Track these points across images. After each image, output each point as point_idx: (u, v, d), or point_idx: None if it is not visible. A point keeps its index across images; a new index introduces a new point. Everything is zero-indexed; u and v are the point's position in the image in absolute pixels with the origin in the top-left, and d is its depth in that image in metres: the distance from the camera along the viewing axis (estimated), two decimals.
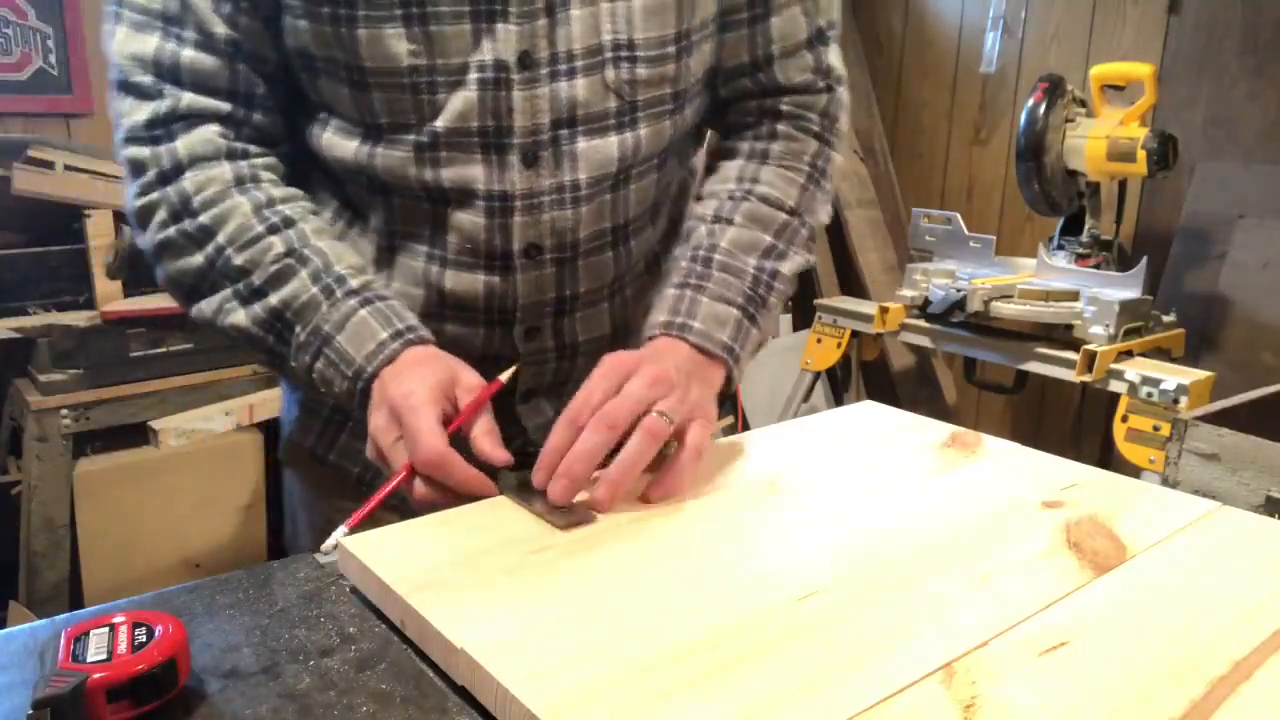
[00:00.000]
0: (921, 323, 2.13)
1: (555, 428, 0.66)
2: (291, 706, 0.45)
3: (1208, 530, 0.64)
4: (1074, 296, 1.89)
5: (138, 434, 2.01)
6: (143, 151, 0.73)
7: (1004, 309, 1.90)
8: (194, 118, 0.74)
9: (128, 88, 0.74)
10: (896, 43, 2.97)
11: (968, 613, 0.52)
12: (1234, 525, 0.65)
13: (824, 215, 0.88)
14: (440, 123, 0.74)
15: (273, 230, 0.73)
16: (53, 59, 2.20)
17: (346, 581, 0.59)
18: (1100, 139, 2.02)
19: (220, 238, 0.73)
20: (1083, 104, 2.12)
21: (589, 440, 0.64)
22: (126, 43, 0.73)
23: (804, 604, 0.52)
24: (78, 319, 1.97)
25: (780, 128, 0.86)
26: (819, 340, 2.36)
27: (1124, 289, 1.88)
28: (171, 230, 0.74)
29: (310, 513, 0.92)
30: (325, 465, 0.88)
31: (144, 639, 0.45)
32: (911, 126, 2.97)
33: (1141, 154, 1.97)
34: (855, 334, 2.30)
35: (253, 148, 0.77)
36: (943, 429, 0.84)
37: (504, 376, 0.72)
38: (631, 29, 0.75)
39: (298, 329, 0.73)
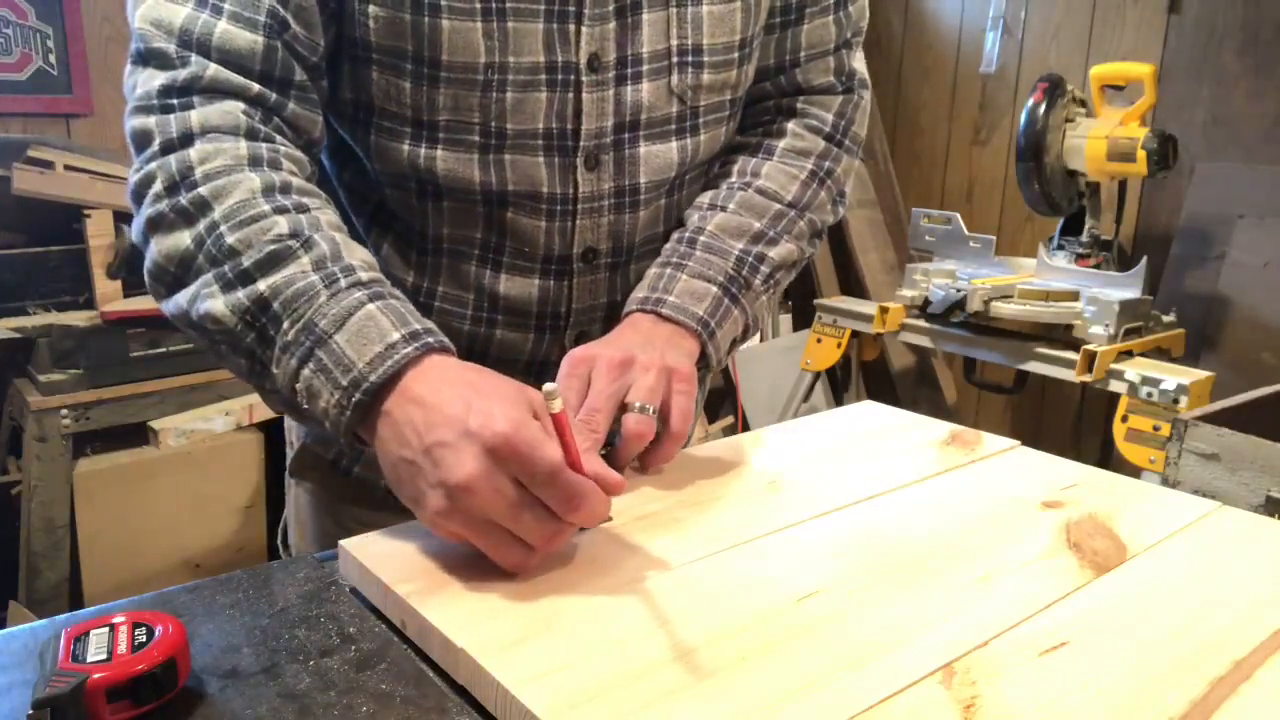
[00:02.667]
0: (921, 323, 2.13)
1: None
2: (291, 706, 0.45)
3: (1208, 530, 0.64)
4: (1074, 296, 1.89)
5: (138, 434, 2.01)
6: (149, 121, 0.63)
7: (1004, 309, 1.90)
8: (217, 92, 0.64)
9: (147, 56, 0.65)
10: (896, 43, 2.97)
11: (968, 612, 0.52)
12: (1234, 525, 0.65)
13: (830, 214, 0.86)
14: (509, 123, 0.72)
15: (280, 211, 0.61)
16: (53, 59, 2.20)
17: (346, 582, 0.59)
18: (1100, 139, 2.02)
19: (216, 213, 0.61)
20: (1083, 104, 2.12)
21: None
22: (153, 9, 0.65)
23: (804, 604, 0.52)
24: (78, 319, 1.97)
25: (790, 125, 0.85)
26: (819, 340, 2.37)
27: (1124, 289, 1.88)
28: (164, 204, 0.62)
29: (323, 522, 0.88)
30: (348, 478, 0.85)
31: (144, 639, 0.45)
32: (911, 126, 2.97)
33: (1141, 154, 1.97)
34: (855, 334, 2.30)
35: (279, 136, 0.67)
36: (942, 428, 0.84)
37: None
38: (699, 35, 0.75)
39: (285, 324, 0.59)
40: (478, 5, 0.68)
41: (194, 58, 0.64)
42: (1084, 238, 2.15)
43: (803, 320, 2.91)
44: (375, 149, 0.74)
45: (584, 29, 0.71)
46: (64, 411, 1.93)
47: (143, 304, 2.03)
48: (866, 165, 2.96)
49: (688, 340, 0.73)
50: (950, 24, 2.83)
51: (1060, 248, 2.17)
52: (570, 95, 0.72)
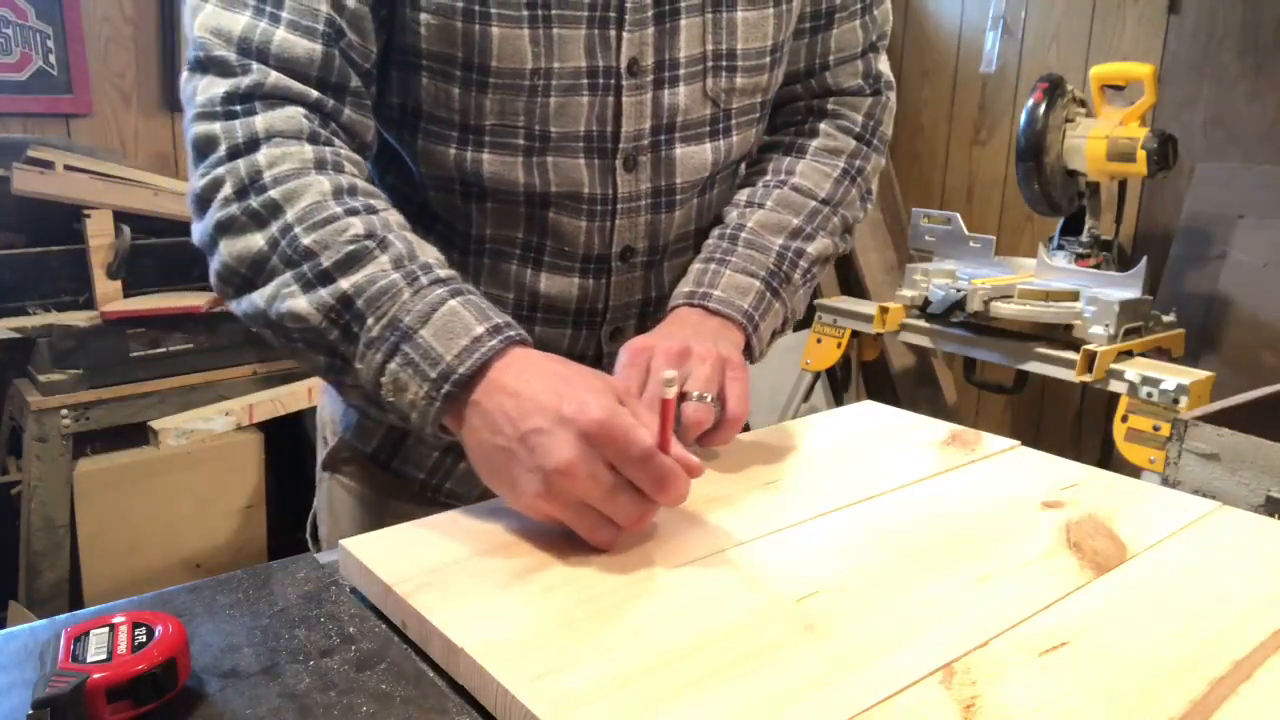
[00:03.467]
0: (921, 323, 2.13)
1: None
2: (291, 706, 0.45)
3: (1208, 530, 0.64)
4: (1074, 296, 1.89)
5: (138, 434, 2.02)
6: (213, 127, 0.65)
7: (1004, 309, 1.90)
8: (278, 98, 0.66)
9: (206, 64, 0.66)
10: (896, 43, 2.97)
11: (968, 613, 0.52)
12: (1234, 525, 0.65)
13: (860, 210, 0.89)
14: (552, 127, 0.73)
15: (352, 213, 0.63)
16: (53, 59, 2.20)
17: (346, 582, 0.59)
18: (1100, 139, 2.02)
19: (289, 215, 0.63)
20: (1083, 104, 2.12)
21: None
22: (212, 17, 0.66)
23: (803, 604, 0.52)
24: (78, 319, 1.97)
25: (822, 126, 0.88)
26: (819, 340, 2.37)
27: (1124, 289, 1.88)
28: (234, 207, 0.64)
29: (357, 515, 0.89)
30: (386, 471, 0.86)
31: (144, 639, 0.45)
32: (911, 126, 2.97)
33: (1141, 154, 1.97)
34: (855, 334, 2.30)
35: (336, 140, 0.69)
36: (943, 428, 0.84)
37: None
38: (733, 40, 0.77)
39: (369, 320, 0.61)
40: (525, 13, 0.70)
41: (254, 65, 0.65)
42: (1084, 238, 2.15)
43: (803, 320, 2.91)
44: (422, 152, 0.75)
45: (624, 34, 0.73)
46: (64, 411, 1.93)
47: (143, 304, 2.03)
48: None
49: (734, 332, 0.76)
50: (950, 24, 2.83)
51: (1060, 248, 2.17)
52: (610, 99, 0.74)
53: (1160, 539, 0.62)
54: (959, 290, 2.00)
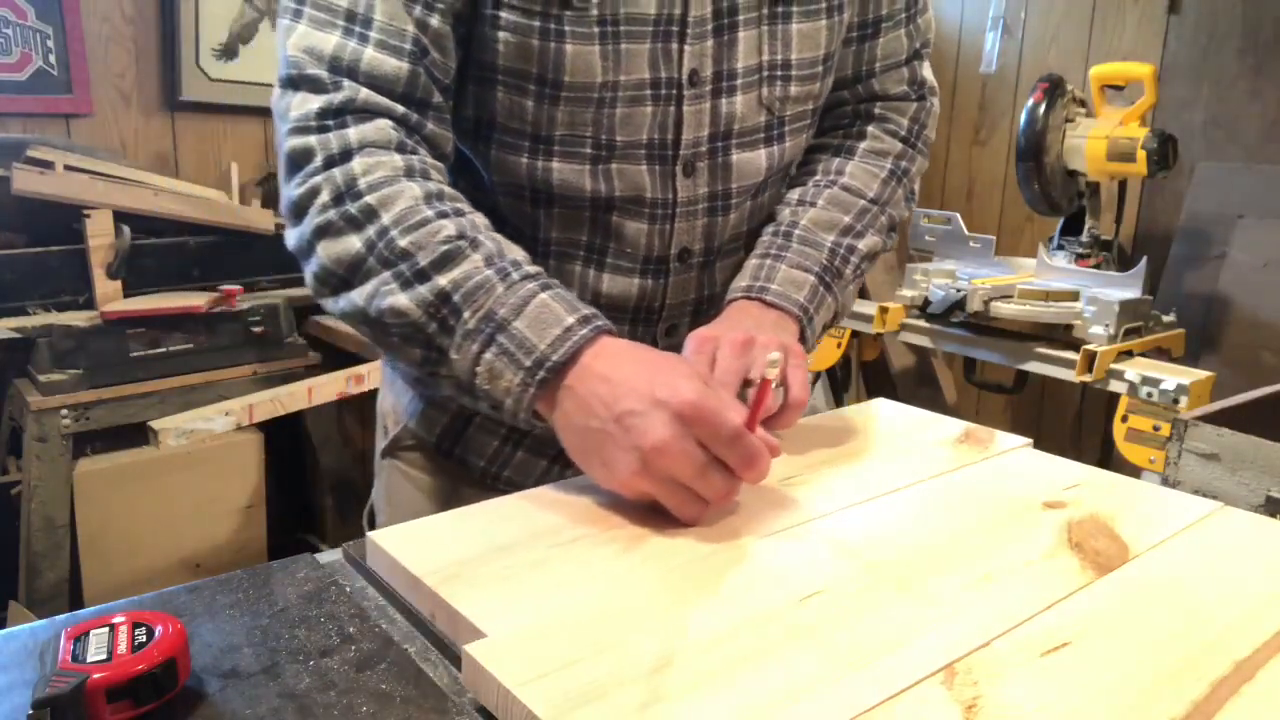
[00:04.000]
0: (921, 323, 2.13)
1: None
2: (291, 706, 0.45)
3: (1210, 531, 0.64)
4: (1074, 296, 1.89)
5: (138, 434, 2.01)
6: (309, 140, 0.69)
7: (1004, 309, 1.90)
8: (368, 112, 0.70)
9: (300, 81, 0.70)
10: None
11: (969, 613, 0.52)
12: (1236, 526, 0.65)
13: (905, 210, 0.93)
14: (617, 136, 0.77)
15: (442, 216, 0.68)
16: (53, 59, 2.19)
17: (346, 582, 0.59)
18: (1100, 139, 2.02)
19: (385, 219, 0.67)
20: (1083, 104, 2.12)
21: None
22: (304, 38, 0.70)
23: (806, 604, 0.52)
24: (78, 319, 1.97)
25: (870, 129, 0.92)
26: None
27: (1124, 289, 1.88)
28: (332, 213, 0.68)
29: (417, 501, 0.92)
30: (449, 459, 0.90)
31: (144, 639, 0.45)
32: None
33: (1141, 154, 1.96)
34: (855, 334, 2.30)
35: (422, 150, 0.73)
36: (956, 426, 0.84)
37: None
38: (788, 51, 0.80)
39: (466, 314, 0.66)
40: (596, 30, 0.73)
41: (346, 82, 0.69)
42: (1084, 238, 2.15)
43: None
44: (494, 161, 0.79)
45: (686, 47, 0.76)
46: (64, 411, 1.93)
47: (143, 304, 2.03)
48: None
49: (790, 324, 0.80)
50: (950, 24, 2.83)
51: (1060, 248, 2.17)
52: (671, 108, 0.78)
53: (1162, 539, 0.62)
54: (959, 290, 2.00)
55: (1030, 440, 0.81)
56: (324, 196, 0.68)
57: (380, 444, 0.96)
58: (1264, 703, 0.45)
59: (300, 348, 2.26)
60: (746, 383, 0.70)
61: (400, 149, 0.70)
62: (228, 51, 2.44)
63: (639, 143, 0.78)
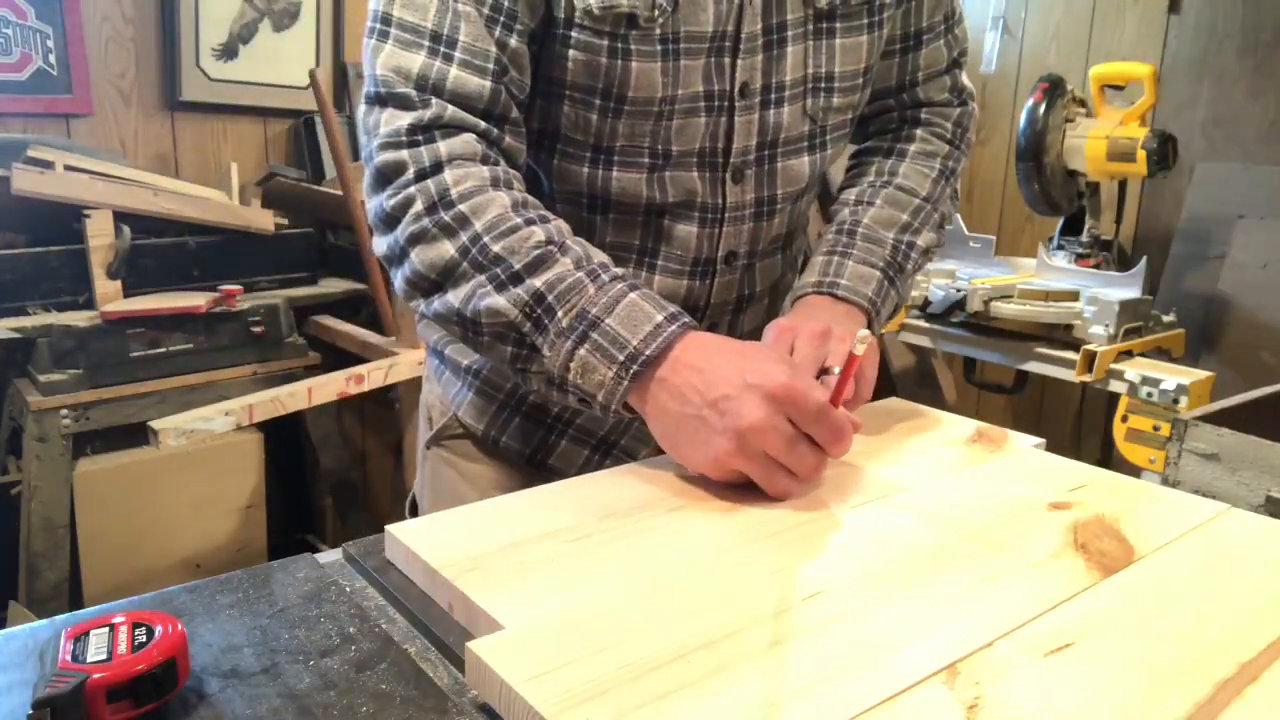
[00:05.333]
0: (921, 323, 2.13)
1: None
2: (291, 706, 0.45)
3: (1216, 533, 0.64)
4: (1074, 296, 1.89)
5: (138, 434, 2.01)
6: (401, 154, 0.73)
7: (1004, 309, 1.90)
8: (454, 128, 0.75)
9: (389, 99, 0.74)
10: None
11: (972, 613, 0.52)
12: (1242, 528, 0.65)
13: (952, 207, 0.98)
14: (673, 146, 0.81)
15: (530, 223, 0.73)
16: (53, 59, 2.19)
17: (346, 582, 0.59)
18: (1100, 139, 2.02)
19: (477, 225, 0.72)
20: (1083, 104, 2.12)
21: None
22: (391, 57, 0.74)
23: (808, 603, 0.52)
24: (78, 319, 1.97)
25: (918, 132, 0.98)
26: None
27: (1124, 289, 1.88)
28: (426, 221, 0.73)
29: (460, 489, 0.96)
30: (495, 447, 0.94)
31: (144, 639, 0.45)
32: None
33: (1141, 154, 1.96)
34: None
35: (503, 162, 0.78)
36: (968, 425, 0.84)
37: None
38: (832, 64, 0.85)
39: (559, 313, 0.70)
40: (658, 48, 0.78)
41: (433, 100, 0.74)
42: (1084, 238, 2.15)
43: None
44: (556, 171, 0.84)
45: (739, 61, 0.81)
46: (64, 411, 1.93)
47: (143, 304, 2.03)
48: None
49: (860, 317, 0.86)
50: None
51: (1060, 248, 2.17)
52: (723, 119, 0.82)
53: (1168, 541, 0.62)
54: (959, 290, 2.00)
55: (1043, 440, 0.81)
56: (418, 206, 0.73)
57: (424, 435, 1.00)
58: (1267, 704, 0.45)
59: (300, 348, 2.26)
60: (823, 370, 0.74)
61: (485, 161, 0.75)
62: (228, 51, 2.44)
63: (692, 151, 0.82)
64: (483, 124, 0.76)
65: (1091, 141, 2.04)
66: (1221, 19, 2.26)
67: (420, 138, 0.74)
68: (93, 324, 1.97)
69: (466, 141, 0.74)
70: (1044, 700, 0.44)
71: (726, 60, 0.80)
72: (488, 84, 0.75)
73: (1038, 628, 0.50)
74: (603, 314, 0.70)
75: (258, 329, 2.18)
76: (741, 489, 0.68)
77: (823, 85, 0.85)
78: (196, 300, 2.07)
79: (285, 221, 2.36)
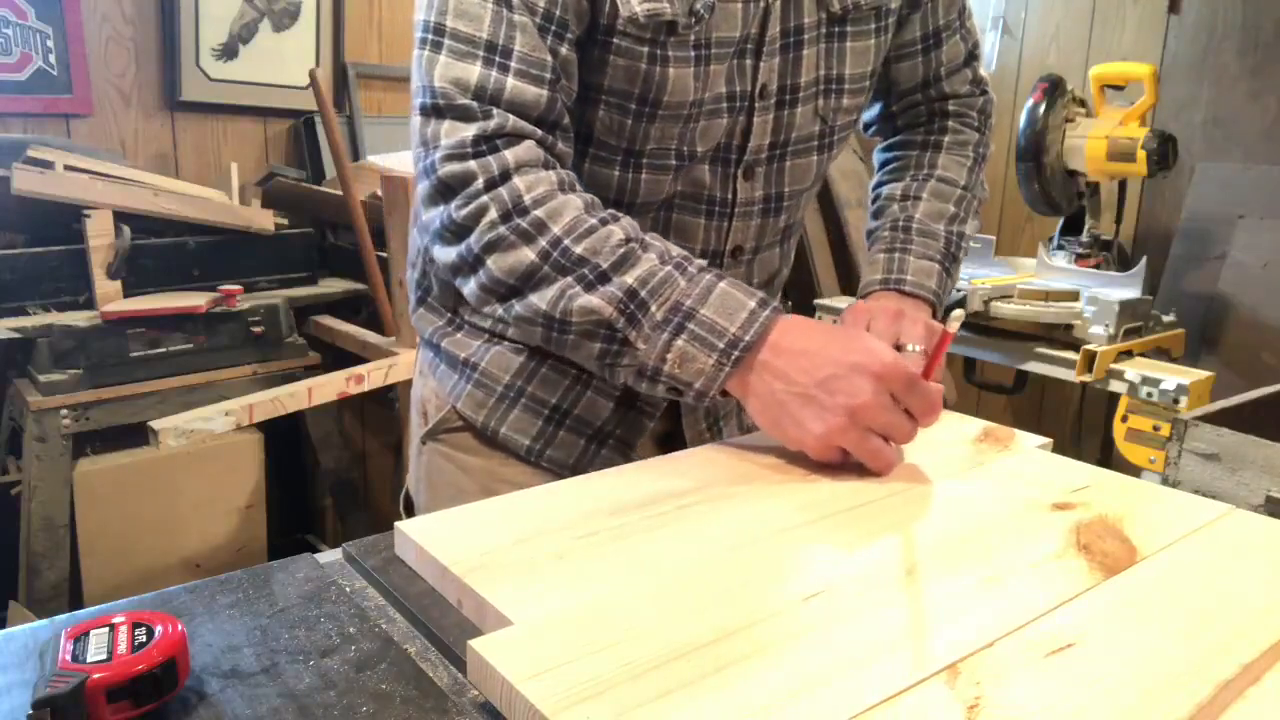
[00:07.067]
0: None
1: None
2: (291, 706, 0.45)
3: (1219, 534, 0.64)
4: (1074, 296, 1.89)
5: (138, 434, 2.01)
6: (469, 165, 0.75)
7: (1004, 309, 1.90)
8: (516, 136, 0.76)
9: (449, 110, 0.76)
10: None
11: (974, 613, 0.51)
12: (1246, 529, 0.65)
13: (984, 191, 1.04)
14: (698, 146, 0.84)
15: (605, 222, 0.75)
16: (53, 59, 2.19)
17: (346, 582, 0.59)
18: (1100, 139, 2.02)
19: (556, 230, 0.74)
20: (1083, 104, 2.12)
21: None
22: (448, 69, 0.76)
23: (809, 603, 0.52)
24: (78, 319, 1.97)
25: (950, 124, 1.03)
26: None
27: (1124, 289, 1.88)
28: (502, 228, 0.75)
29: (458, 480, 0.97)
30: (494, 440, 0.94)
31: (144, 639, 0.45)
32: None
33: (1141, 154, 1.96)
34: None
35: (556, 161, 0.80)
36: (975, 425, 0.84)
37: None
38: (843, 66, 0.88)
39: (653, 307, 0.73)
40: (692, 54, 0.79)
41: (494, 110, 0.75)
42: (1084, 238, 2.15)
43: None
44: (586, 175, 0.85)
45: (761, 64, 0.83)
46: (64, 411, 1.93)
47: (143, 304, 2.03)
48: (866, 165, 2.95)
49: (925, 308, 0.91)
50: None
51: (1060, 248, 2.17)
52: (742, 118, 0.85)
53: (1171, 542, 0.62)
54: (959, 290, 1.99)
55: (1049, 441, 0.81)
56: (492, 214, 0.74)
57: (418, 431, 1.00)
58: (1269, 705, 0.45)
59: (300, 348, 2.26)
60: (898, 347, 0.79)
61: (547, 166, 0.77)
62: (228, 51, 2.44)
63: (710, 149, 0.85)
64: (539, 131, 0.77)
65: (1091, 141, 2.03)
66: (1221, 19, 2.26)
67: (485, 148, 0.75)
68: (93, 324, 1.97)
69: (529, 148, 0.76)
70: (1044, 700, 0.44)
71: (749, 62, 0.83)
72: (545, 93, 0.76)
73: (1039, 628, 0.50)
74: (697, 305, 0.73)
75: (258, 329, 2.18)
76: (750, 484, 0.68)
77: (834, 86, 0.88)
78: (196, 300, 2.07)
79: (285, 221, 2.36)
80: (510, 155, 0.75)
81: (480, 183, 0.75)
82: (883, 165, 1.05)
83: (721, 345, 0.72)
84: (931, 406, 0.72)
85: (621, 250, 0.74)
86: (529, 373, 0.91)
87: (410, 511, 1.04)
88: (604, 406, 0.91)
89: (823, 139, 0.90)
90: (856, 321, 0.83)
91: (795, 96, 0.86)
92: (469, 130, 0.75)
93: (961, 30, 0.99)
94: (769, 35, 0.82)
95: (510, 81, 0.75)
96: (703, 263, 0.76)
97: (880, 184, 1.03)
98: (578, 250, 0.74)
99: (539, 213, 0.74)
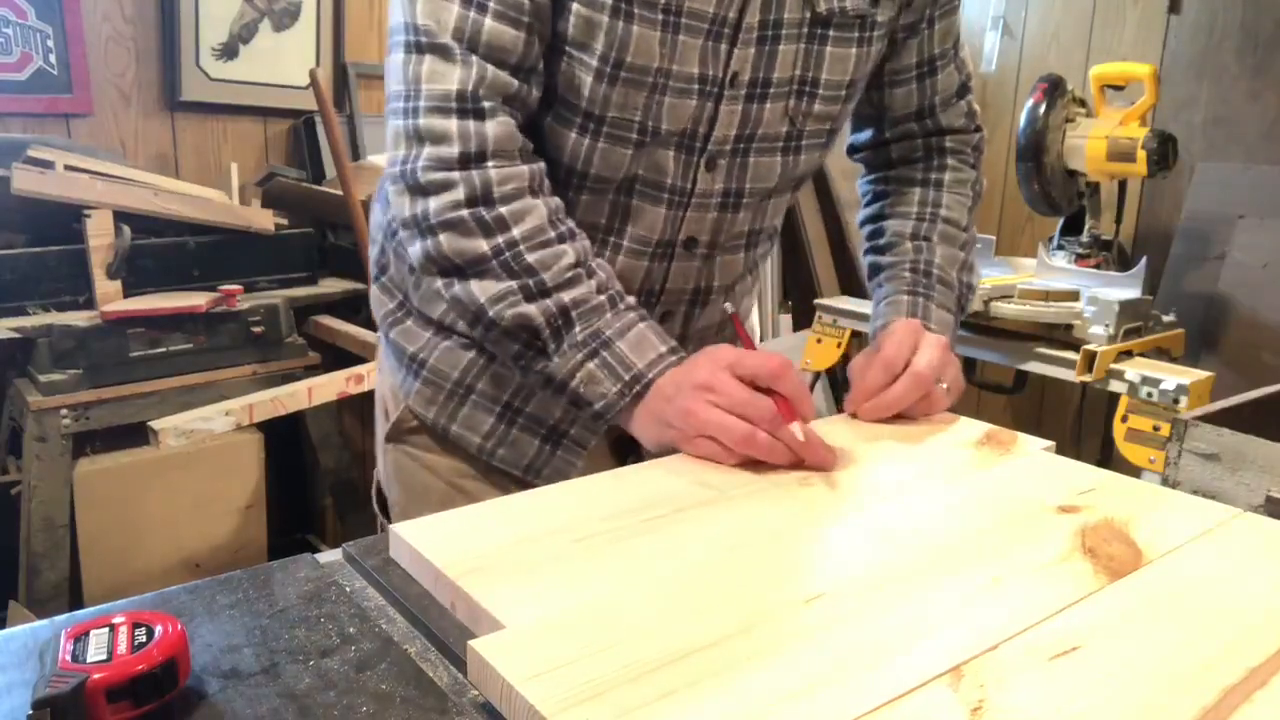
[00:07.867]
0: None
1: (871, 370, 0.85)
2: (291, 706, 0.45)
3: (1226, 537, 0.64)
4: (1074, 296, 1.89)
5: (138, 434, 2.01)
6: (449, 123, 0.77)
7: (1004, 309, 1.90)
8: (496, 95, 0.78)
9: (430, 48, 0.77)
10: None
11: (978, 616, 0.51)
12: (1252, 532, 0.65)
13: (977, 227, 1.06)
14: (662, 124, 0.83)
15: (563, 239, 0.79)
16: (53, 59, 2.19)
17: (346, 582, 0.59)
18: (1100, 139, 2.02)
19: (515, 232, 0.77)
20: (1083, 104, 2.12)
21: (904, 390, 0.84)
22: (428, 5, 0.76)
23: (811, 605, 0.52)
24: (77, 319, 1.97)
25: (949, 161, 1.03)
26: (819, 340, 2.36)
27: (1124, 289, 1.88)
28: (464, 212, 0.77)
29: (421, 476, 0.97)
30: (446, 438, 0.95)
31: (144, 639, 0.45)
32: None
33: (1141, 154, 1.96)
34: (855, 334, 2.30)
35: (530, 144, 0.82)
36: (978, 427, 0.84)
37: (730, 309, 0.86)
38: (819, 69, 0.87)
39: (577, 328, 0.78)
40: (659, 16, 0.79)
41: (474, 59, 0.77)
42: (1084, 238, 2.15)
43: (803, 320, 2.91)
44: (547, 132, 0.85)
45: (735, 50, 0.83)
46: (64, 411, 1.93)
47: (143, 304, 2.03)
48: None
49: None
50: None
51: (1060, 248, 2.17)
52: (710, 104, 0.84)
53: (1177, 545, 0.61)
54: None
55: (1053, 443, 0.80)
56: (458, 194, 0.77)
57: (382, 429, 1.00)
58: (1276, 710, 0.45)
59: (300, 348, 2.26)
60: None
61: (523, 156, 0.80)
62: (228, 51, 2.43)
63: (675, 132, 0.84)
64: (515, 82, 0.78)
65: (1091, 141, 2.03)
66: (1221, 19, 2.26)
67: (469, 109, 0.77)
68: (93, 324, 1.97)
69: (510, 133, 0.78)
70: (1049, 704, 0.44)
71: (723, 47, 0.82)
72: (522, 35, 0.77)
73: (1043, 631, 0.50)
74: (616, 336, 0.78)
75: (258, 329, 2.17)
76: (748, 486, 0.68)
77: (808, 89, 0.87)
78: (196, 300, 2.07)
79: (285, 221, 2.36)
80: (490, 132, 0.77)
81: (455, 151, 0.77)
82: (879, 196, 1.05)
83: (627, 377, 0.77)
84: (762, 366, 0.75)
85: (569, 274, 0.78)
86: (478, 369, 0.92)
87: (383, 506, 1.04)
88: (555, 403, 0.91)
89: (789, 141, 0.90)
90: (887, 344, 0.87)
91: (766, 91, 0.85)
92: (452, 82, 0.76)
93: (956, 60, 1.00)
94: (746, 22, 0.82)
95: (488, 22, 0.76)
96: (633, 300, 0.81)
97: (882, 216, 1.03)
98: (529, 259, 0.77)
99: (504, 210, 0.77)
